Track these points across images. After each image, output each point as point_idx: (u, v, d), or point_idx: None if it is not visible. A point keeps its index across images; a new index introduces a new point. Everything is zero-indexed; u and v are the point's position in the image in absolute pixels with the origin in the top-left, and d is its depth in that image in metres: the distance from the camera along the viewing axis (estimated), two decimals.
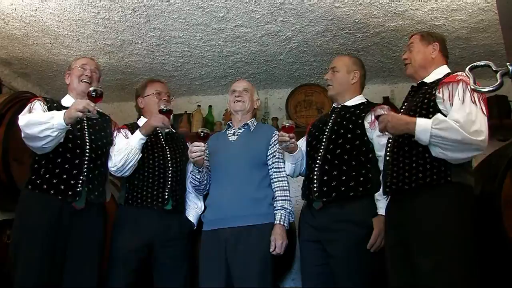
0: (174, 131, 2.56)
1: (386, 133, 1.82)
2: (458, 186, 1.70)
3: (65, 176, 2.06)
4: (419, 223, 1.69)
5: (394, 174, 1.82)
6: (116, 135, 2.34)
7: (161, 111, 2.24)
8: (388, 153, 1.90)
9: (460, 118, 1.63)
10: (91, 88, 2.02)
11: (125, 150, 2.19)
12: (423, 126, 1.66)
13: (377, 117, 1.83)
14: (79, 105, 1.93)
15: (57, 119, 1.93)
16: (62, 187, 2.04)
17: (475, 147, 1.63)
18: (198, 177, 2.23)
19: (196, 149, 2.09)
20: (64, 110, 1.98)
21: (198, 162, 2.15)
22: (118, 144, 2.30)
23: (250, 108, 2.38)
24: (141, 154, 2.24)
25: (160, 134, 2.41)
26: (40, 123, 1.94)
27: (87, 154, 2.13)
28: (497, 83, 1.02)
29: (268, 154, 2.27)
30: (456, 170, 1.69)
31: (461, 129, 1.61)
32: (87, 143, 2.15)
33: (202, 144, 2.10)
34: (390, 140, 1.92)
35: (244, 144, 2.29)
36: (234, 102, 2.35)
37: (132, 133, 2.32)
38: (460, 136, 1.61)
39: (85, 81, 2.24)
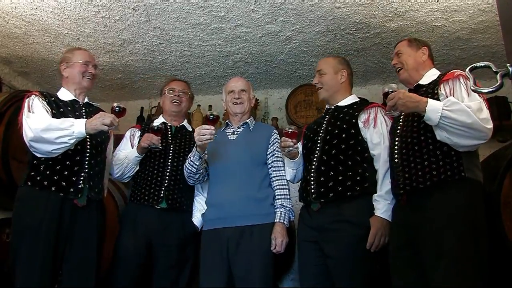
0: (185, 125, 2.59)
1: (393, 112, 1.78)
2: (471, 182, 1.69)
3: (66, 173, 2.05)
4: (434, 222, 1.67)
5: (406, 175, 1.81)
6: (125, 136, 2.50)
7: (152, 130, 2.30)
8: (396, 155, 1.89)
9: (472, 105, 1.64)
10: (114, 104, 2.11)
11: (121, 163, 2.35)
12: (434, 106, 1.65)
13: (385, 95, 1.80)
14: (106, 120, 1.96)
15: (78, 127, 1.95)
16: (64, 184, 2.03)
17: (482, 134, 1.63)
18: (197, 163, 2.17)
19: (206, 131, 2.04)
20: (85, 119, 2.00)
21: (203, 147, 2.11)
22: (121, 148, 2.45)
23: (248, 108, 2.38)
24: (138, 167, 2.38)
25: (169, 131, 2.48)
26: (59, 129, 1.94)
27: (88, 150, 2.13)
28: (497, 84, 1.02)
29: (268, 153, 2.28)
30: (468, 166, 1.69)
31: (472, 113, 1.61)
32: (88, 140, 2.14)
33: (212, 127, 2.06)
34: (397, 142, 1.91)
35: (245, 143, 2.28)
36: (234, 104, 2.35)
37: (142, 134, 2.41)
38: (471, 119, 1.60)
39: (88, 78, 2.25)
